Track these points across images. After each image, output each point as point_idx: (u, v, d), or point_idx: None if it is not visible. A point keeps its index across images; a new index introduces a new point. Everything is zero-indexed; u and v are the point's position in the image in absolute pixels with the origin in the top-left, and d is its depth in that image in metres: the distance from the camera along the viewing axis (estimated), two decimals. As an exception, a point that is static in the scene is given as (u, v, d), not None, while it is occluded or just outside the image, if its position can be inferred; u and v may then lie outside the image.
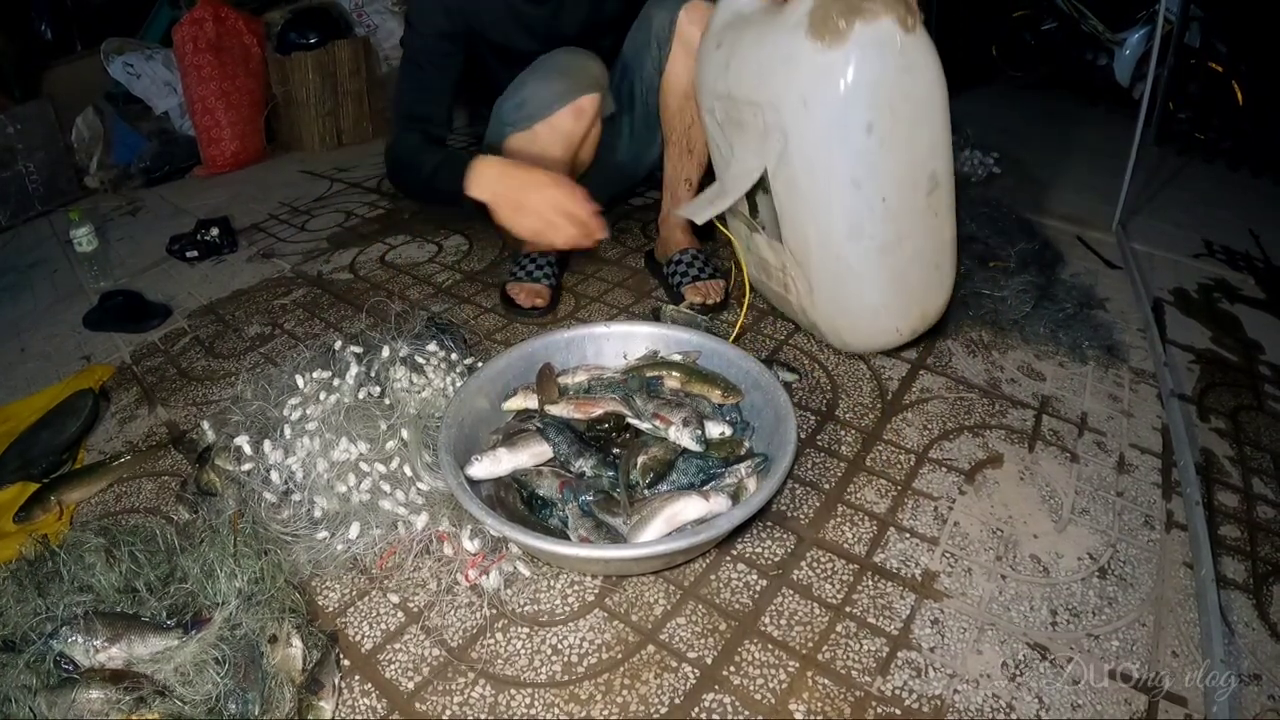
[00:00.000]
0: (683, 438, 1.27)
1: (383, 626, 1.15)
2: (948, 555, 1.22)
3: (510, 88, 1.82)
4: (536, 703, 1.02)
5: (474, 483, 1.23)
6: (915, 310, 1.50)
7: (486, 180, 1.62)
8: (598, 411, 1.35)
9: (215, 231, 2.38)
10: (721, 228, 1.75)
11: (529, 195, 1.59)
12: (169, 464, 1.50)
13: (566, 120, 1.78)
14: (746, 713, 1.00)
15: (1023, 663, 1.05)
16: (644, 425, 1.31)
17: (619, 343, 1.53)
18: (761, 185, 1.45)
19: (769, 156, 1.36)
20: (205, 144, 3.19)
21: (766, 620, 1.12)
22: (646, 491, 1.23)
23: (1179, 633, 1.10)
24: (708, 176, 1.80)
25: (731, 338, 1.60)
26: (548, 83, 1.77)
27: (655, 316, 1.78)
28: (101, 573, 1.14)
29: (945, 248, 1.46)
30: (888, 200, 1.33)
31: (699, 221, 1.53)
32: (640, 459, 1.25)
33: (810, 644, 1.08)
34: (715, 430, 1.31)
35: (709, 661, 1.06)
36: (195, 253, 2.34)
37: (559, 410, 1.35)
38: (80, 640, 1.03)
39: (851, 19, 1.20)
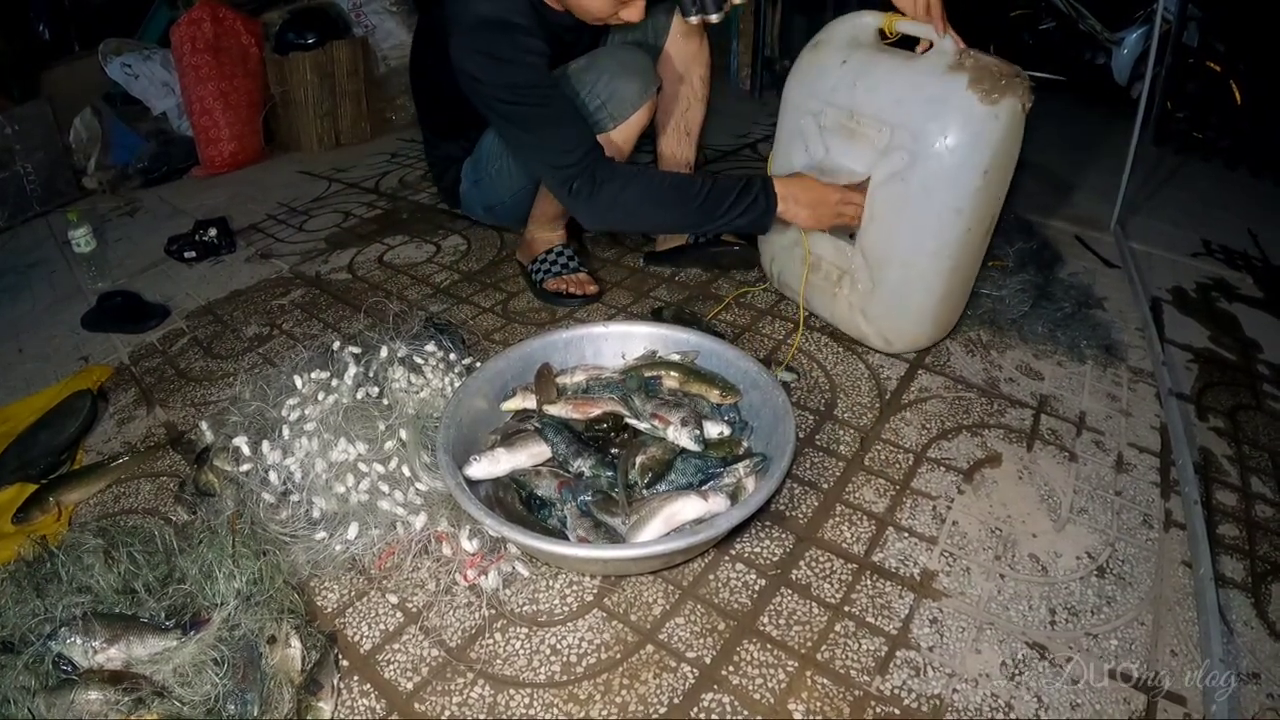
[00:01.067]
0: (681, 437, 1.27)
1: (381, 627, 1.15)
2: (946, 555, 1.22)
3: (572, 88, 1.73)
4: (535, 703, 1.02)
5: (472, 483, 1.24)
6: (944, 324, 1.68)
7: (792, 194, 1.59)
8: (596, 412, 1.36)
9: (213, 232, 2.38)
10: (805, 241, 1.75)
11: (825, 195, 1.58)
12: (167, 465, 1.50)
13: (644, 118, 1.78)
14: (745, 712, 1.00)
15: (1021, 662, 1.05)
16: (642, 425, 1.32)
17: (617, 343, 1.53)
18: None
19: (880, 169, 1.53)
20: (203, 144, 3.19)
21: (765, 620, 1.12)
22: (645, 491, 1.23)
23: (1178, 632, 1.10)
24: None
25: (789, 356, 1.67)
26: (629, 80, 1.73)
27: (654, 316, 1.78)
28: (100, 574, 1.14)
29: (972, 279, 1.67)
30: (970, 231, 1.51)
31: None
32: (639, 459, 1.25)
33: (809, 643, 1.08)
34: (714, 430, 1.31)
35: (708, 661, 1.06)
36: (193, 253, 2.34)
37: (557, 410, 1.36)
38: (79, 641, 1.02)
39: (1006, 88, 1.42)
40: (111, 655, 1.03)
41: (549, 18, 1.70)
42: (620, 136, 1.76)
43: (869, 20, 1.61)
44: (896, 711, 1.00)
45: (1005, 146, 1.45)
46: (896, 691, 1.02)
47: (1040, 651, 1.07)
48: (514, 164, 1.87)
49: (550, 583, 1.19)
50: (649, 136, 1.92)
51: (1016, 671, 1.04)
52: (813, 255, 1.71)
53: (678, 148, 1.97)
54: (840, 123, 1.60)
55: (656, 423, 1.30)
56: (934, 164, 1.45)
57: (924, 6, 1.49)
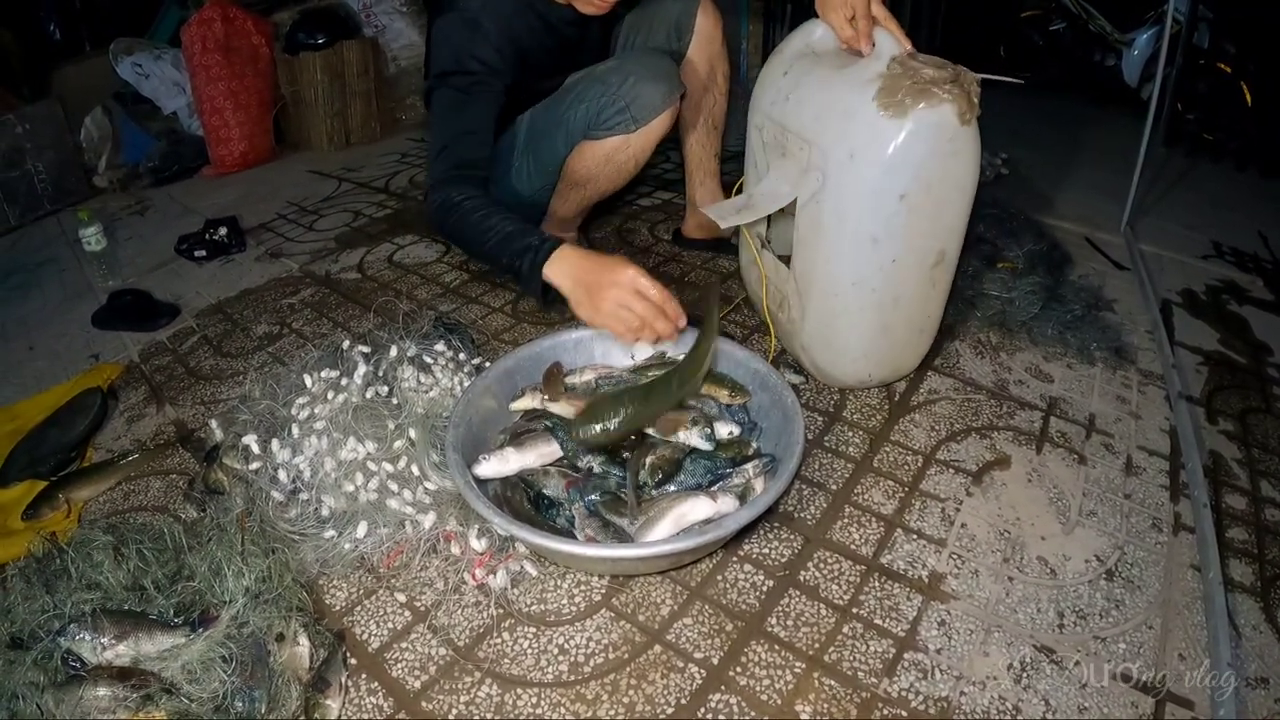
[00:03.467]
0: (692, 438, 1.27)
1: (390, 625, 1.15)
2: (955, 557, 1.22)
3: (596, 90, 1.74)
4: (543, 702, 1.03)
5: (481, 482, 1.24)
6: (890, 364, 1.55)
7: (568, 266, 1.43)
8: None
9: (223, 231, 2.38)
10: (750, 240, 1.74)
11: (605, 278, 1.38)
12: (177, 462, 1.50)
13: (667, 122, 1.78)
14: (753, 713, 1.00)
15: (1029, 665, 1.05)
16: (652, 431, 1.31)
17: (626, 343, 1.52)
18: (786, 210, 1.49)
19: (803, 191, 1.41)
20: (213, 144, 3.20)
21: (773, 621, 1.12)
22: (653, 492, 1.23)
23: (1186, 636, 1.09)
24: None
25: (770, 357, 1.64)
26: (654, 85, 1.73)
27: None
28: (109, 570, 1.14)
29: (932, 317, 1.53)
30: (897, 262, 1.38)
31: (723, 226, 1.53)
32: (649, 459, 1.25)
33: (817, 645, 1.08)
34: (723, 430, 1.31)
35: (715, 662, 1.06)
36: (203, 252, 2.35)
37: (558, 409, 1.35)
38: (88, 638, 1.03)
39: (917, 99, 1.26)
40: (120, 652, 1.03)
41: (549, 15, 1.71)
42: (640, 140, 1.77)
43: (822, 31, 1.50)
44: (904, 713, 1.00)
45: (933, 166, 1.30)
46: (904, 693, 1.02)
47: (1048, 654, 1.06)
48: (532, 164, 1.88)
49: (558, 582, 1.19)
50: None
51: (1024, 674, 1.04)
52: (768, 275, 1.66)
53: (706, 140, 2.01)
54: (775, 138, 1.51)
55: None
56: (844, 187, 1.35)
57: (851, 30, 1.40)
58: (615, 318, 1.36)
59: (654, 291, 1.34)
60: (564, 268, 1.42)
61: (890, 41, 1.34)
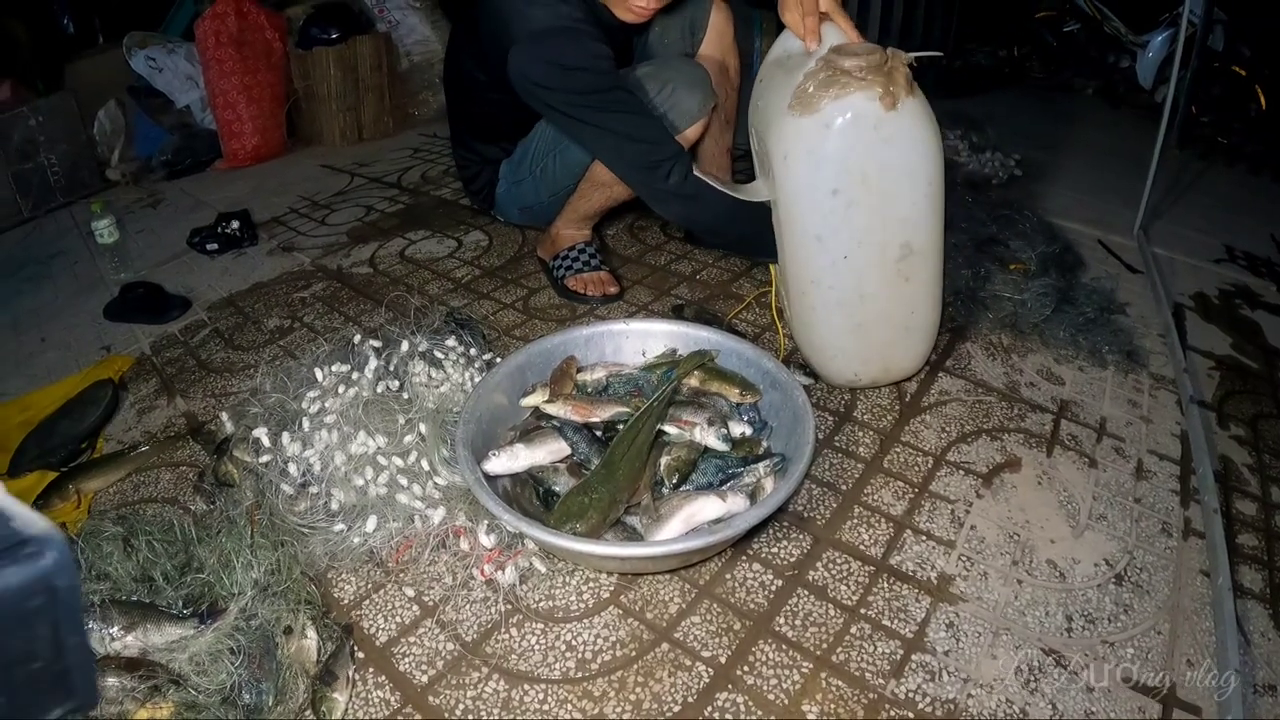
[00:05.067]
0: (708, 438, 1.27)
1: (398, 620, 1.15)
2: (964, 559, 1.21)
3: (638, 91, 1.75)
4: (550, 699, 1.03)
5: (491, 478, 1.24)
6: (877, 363, 1.53)
7: None
8: (595, 418, 1.34)
9: (235, 225, 2.39)
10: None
11: None
12: (187, 454, 1.51)
13: (699, 132, 1.81)
14: (759, 713, 1.00)
15: (1037, 668, 1.05)
16: (669, 429, 1.31)
17: (638, 340, 1.53)
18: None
19: (771, 193, 1.45)
20: (226, 138, 3.21)
21: (781, 620, 1.12)
22: (665, 490, 1.23)
23: (1195, 642, 1.09)
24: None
25: (781, 356, 1.63)
26: (692, 93, 1.76)
27: (675, 314, 1.78)
28: (118, 561, 1.15)
29: (919, 314, 1.48)
30: (850, 259, 1.38)
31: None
32: (665, 459, 1.25)
33: (824, 645, 1.08)
34: (735, 430, 1.31)
35: (723, 661, 1.06)
36: (215, 245, 2.36)
37: (554, 409, 1.35)
38: (96, 628, 1.03)
39: (824, 91, 1.27)
40: (128, 642, 1.04)
41: (603, 17, 1.72)
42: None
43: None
44: (911, 715, 0.99)
45: (862, 157, 1.29)
46: (911, 695, 1.02)
47: (1056, 658, 1.06)
48: (558, 165, 1.89)
49: (567, 579, 1.20)
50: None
51: (1032, 678, 1.04)
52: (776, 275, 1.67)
53: (718, 135, 2.01)
54: (754, 144, 1.54)
55: (681, 426, 1.30)
56: (785, 188, 1.37)
57: (802, 23, 1.39)
58: None
59: None
60: None
61: (836, 36, 1.35)
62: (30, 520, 0.44)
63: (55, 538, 0.44)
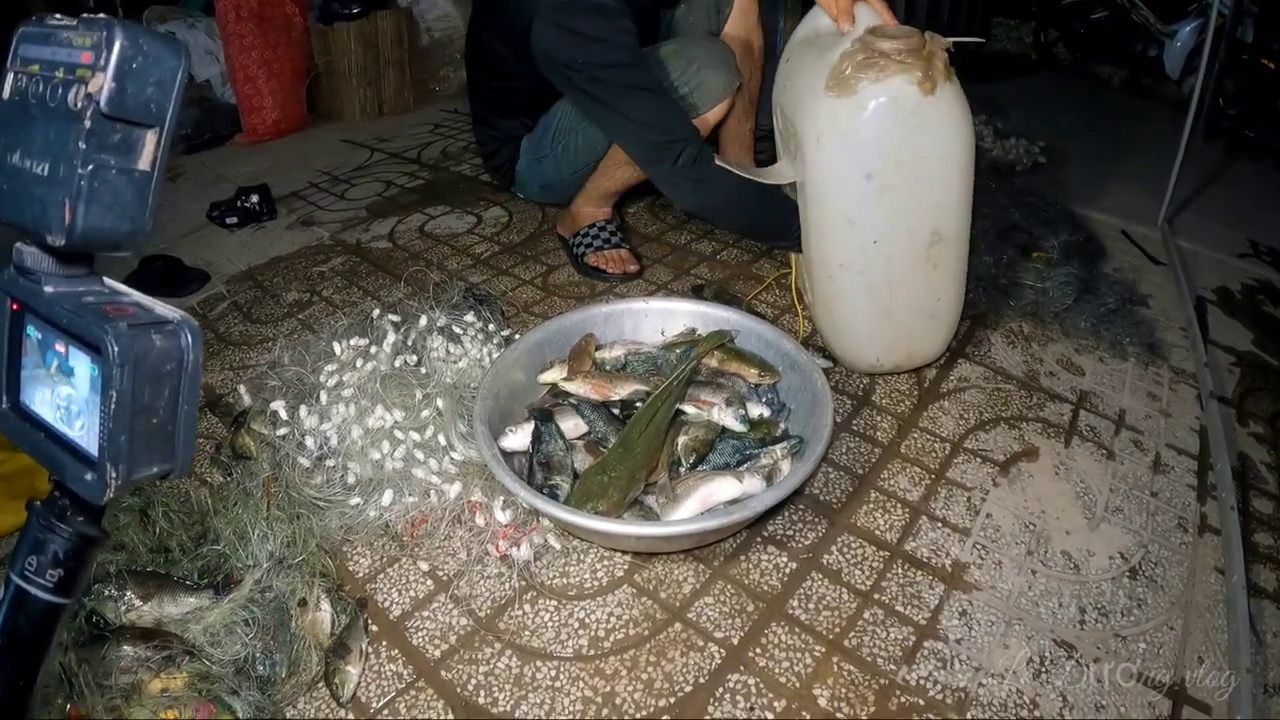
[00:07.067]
0: (726, 418, 1.27)
1: (411, 594, 1.16)
2: (979, 547, 1.21)
3: (659, 74, 1.74)
4: (562, 675, 1.03)
5: (507, 454, 1.24)
6: (901, 349, 1.52)
7: None
8: (614, 395, 1.34)
9: (255, 199, 2.39)
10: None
11: None
12: (204, 427, 1.51)
13: (723, 112, 1.80)
14: (770, 695, 1.00)
15: (1049, 660, 1.04)
16: (688, 408, 1.31)
17: (658, 319, 1.53)
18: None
19: (798, 174, 1.44)
20: (246, 112, 3.21)
21: (794, 603, 1.12)
22: (681, 470, 1.24)
23: (1207, 639, 1.08)
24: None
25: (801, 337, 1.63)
26: (718, 72, 1.75)
27: (695, 294, 1.78)
28: (135, 531, 1.15)
29: (944, 301, 1.48)
30: (880, 244, 1.37)
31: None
32: (683, 439, 1.25)
33: (837, 629, 1.08)
34: (754, 411, 1.31)
35: (735, 642, 1.07)
36: (235, 219, 2.36)
37: (573, 387, 1.35)
38: (112, 597, 1.04)
39: (862, 74, 1.25)
40: (144, 612, 1.04)
41: None
42: (699, 125, 1.77)
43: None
44: (921, 702, 0.99)
45: (898, 142, 1.28)
46: (922, 682, 1.02)
47: (1068, 650, 1.06)
48: (580, 142, 1.88)
49: (581, 557, 1.20)
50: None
51: (1043, 669, 1.03)
52: (797, 257, 1.67)
53: (741, 114, 2.02)
54: (781, 124, 1.53)
55: (699, 406, 1.29)
56: (817, 170, 1.36)
57: (835, 3, 1.39)
58: None
59: None
60: None
61: (869, 17, 1.33)
62: (169, 310, 0.55)
63: (192, 324, 0.54)
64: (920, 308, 1.46)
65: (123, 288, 0.57)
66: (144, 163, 0.51)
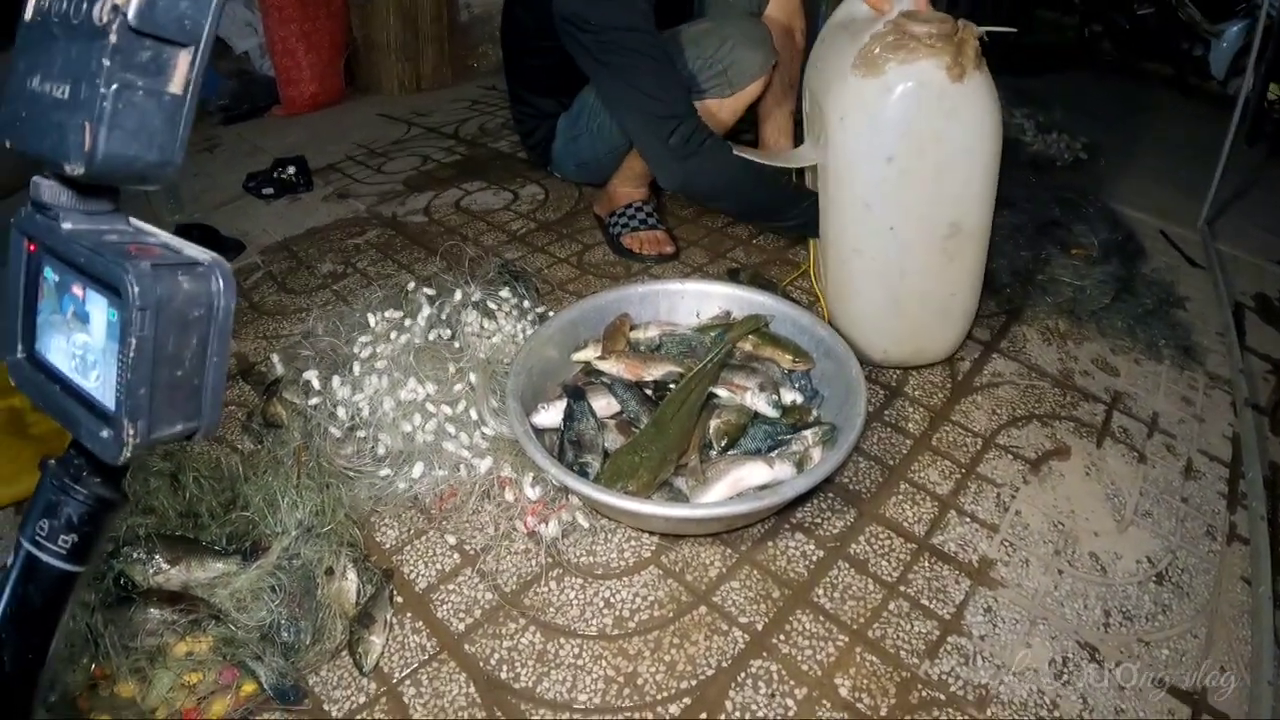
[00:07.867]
0: (759, 403, 1.27)
1: (438, 567, 1.17)
2: (1006, 544, 1.20)
3: (693, 52, 1.75)
4: (585, 654, 1.04)
5: (539, 431, 1.25)
6: (910, 343, 1.51)
7: None
8: (649, 376, 1.34)
9: (291, 170, 2.40)
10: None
11: None
12: (236, 395, 1.52)
13: (758, 90, 1.80)
14: (792, 682, 1.00)
15: (1071, 661, 1.04)
16: (721, 391, 1.30)
17: (693, 301, 1.53)
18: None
19: (820, 156, 1.44)
20: (284, 84, 3.21)
21: (820, 592, 1.12)
22: (713, 453, 1.24)
23: (1230, 649, 1.08)
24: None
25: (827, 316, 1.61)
26: (753, 50, 1.74)
27: (730, 277, 1.77)
28: (165, 496, 1.17)
29: (959, 296, 1.46)
30: (896, 230, 1.36)
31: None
32: (714, 423, 1.25)
33: (861, 620, 1.08)
34: (786, 397, 1.31)
35: (759, 628, 1.07)
36: (271, 190, 2.37)
37: (606, 366, 1.35)
38: (141, 560, 1.05)
39: (890, 55, 1.24)
40: (171, 576, 1.05)
41: None
42: (732, 106, 1.78)
43: None
44: (942, 697, 0.99)
45: (923, 127, 1.27)
46: (944, 677, 1.02)
47: (1091, 652, 1.05)
48: (614, 122, 1.87)
49: (609, 536, 1.20)
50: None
51: (1065, 670, 1.03)
52: (815, 242, 1.65)
53: (783, 99, 2.02)
54: (807, 107, 1.53)
55: (732, 390, 1.29)
56: (839, 150, 1.35)
57: None
58: None
59: None
60: None
61: (907, 2, 1.31)
62: (200, 251, 0.50)
63: (224, 266, 0.50)
64: (933, 302, 1.45)
65: (150, 227, 0.52)
66: (175, 85, 0.47)
